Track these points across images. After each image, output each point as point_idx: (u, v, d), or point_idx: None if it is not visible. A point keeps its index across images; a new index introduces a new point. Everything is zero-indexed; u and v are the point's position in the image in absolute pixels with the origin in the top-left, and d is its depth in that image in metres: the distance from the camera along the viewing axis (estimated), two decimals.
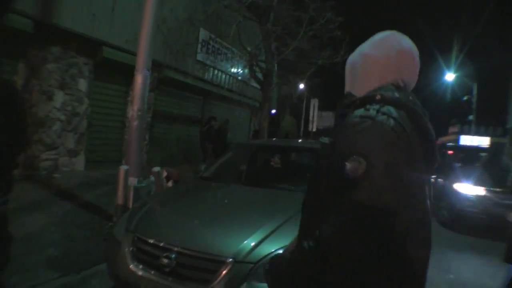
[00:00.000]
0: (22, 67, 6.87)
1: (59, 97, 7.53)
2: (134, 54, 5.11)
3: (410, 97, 1.06)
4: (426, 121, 1.03)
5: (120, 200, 4.47)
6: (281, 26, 10.28)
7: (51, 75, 7.32)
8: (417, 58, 1.16)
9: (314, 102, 16.36)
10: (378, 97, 1.01)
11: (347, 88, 1.18)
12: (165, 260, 2.37)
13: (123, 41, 8.35)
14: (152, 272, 2.42)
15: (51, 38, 7.19)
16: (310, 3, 9.83)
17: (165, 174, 5.35)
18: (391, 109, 0.97)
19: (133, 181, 4.56)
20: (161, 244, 2.47)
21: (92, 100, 8.34)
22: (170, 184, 5.33)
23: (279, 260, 1.09)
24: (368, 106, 0.99)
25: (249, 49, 10.42)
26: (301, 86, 20.06)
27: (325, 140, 1.03)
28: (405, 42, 1.15)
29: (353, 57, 1.21)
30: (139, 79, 4.77)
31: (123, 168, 4.57)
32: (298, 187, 3.67)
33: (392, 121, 0.93)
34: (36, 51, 7.01)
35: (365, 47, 1.18)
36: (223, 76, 13.72)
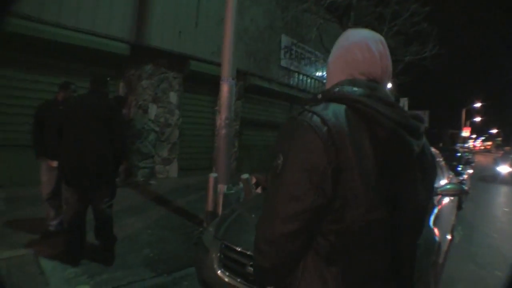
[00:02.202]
0: (121, 86, 7.65)
1: (153, 110, 8.18)
2: (219, 64, 5.30)
3: (371, 90, 1.02)
4: (376, 113, 0.95)
5: (209, 206, 4.63)
6: (363, 24, 9.86)
7: (145, 91, 7.99)
8: (375, 46, 1.10)
9: (404, 101, 15.39)
10: (319, 96, 1.04)
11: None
12: (251, 269, 2.36)
13: (208, 53, 8.78)
14: (239, 280, 2.43)
15: (144, 58, 7.86)
16: None
17: (254, 180, 5.41)
18: (330, 106, 0.97)
19: (222, 188, 4.69)
20: (248, 252, 2.47)
21: (183, 111, 8.90)
22: (259, 190, 5.38)
23: None
24: (307, 107, 0.99)
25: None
26: (389, 85, 19.02)
27: None
28: (355, 35, 1.13)
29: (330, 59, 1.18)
30: (225, 88, 4.92)
31: (213, 175, 4.73)
32: None
33: (315, 118, 0.93)
34: (132, 71, 7.73)
35: (337, 50, 1.15)
36: (309, 80, 13.64)
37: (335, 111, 0.94)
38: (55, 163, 3.91)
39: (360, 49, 1.09)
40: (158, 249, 4.19)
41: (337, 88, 1.03)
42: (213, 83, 8.97)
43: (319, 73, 13.62)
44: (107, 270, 3.50)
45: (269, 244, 0.95)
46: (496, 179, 15.00)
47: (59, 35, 6.20)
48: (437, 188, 3.74)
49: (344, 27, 9.83)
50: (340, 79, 1.08)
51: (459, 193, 3.88)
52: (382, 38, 1.15)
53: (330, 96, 1.01)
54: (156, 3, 7.73)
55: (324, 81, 14.71)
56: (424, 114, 26.61)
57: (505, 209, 9.94)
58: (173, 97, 8.62)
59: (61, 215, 4.20)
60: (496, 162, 17.49)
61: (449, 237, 4.41)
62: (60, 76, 6.21)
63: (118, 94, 7.80)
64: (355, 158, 0.90)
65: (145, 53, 7.81)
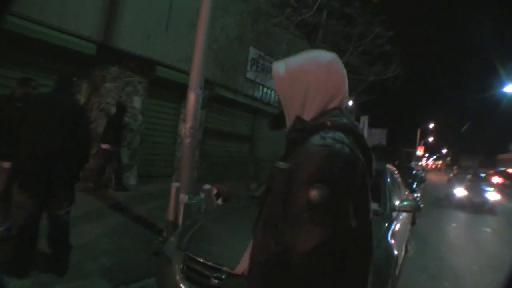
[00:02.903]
0: (84, 86, 7.36)
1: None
2: (185, 72, 5.26)
3: (350, 119, 1.14)
4: (366, 141, 1.13)
5: (171, 216, 4.53)
6: (330, 42, 10.20)
7: (109, 93, 7.75)
8: (342, 71, 1.18)
9: (364, 119, 15.98)
10: (329, 123, 1.07)
11: (295, 112, 1.16)
12: (215, 280, 2.32)
13: (176, 60, 8.67)
14: None
15: (111, 59, 7.63)
16: (359, 18, 9.69)
17: (215, 191, 5.37)
18: (342, 136, 1.04)
19: (184, 198, 4.62)
20: (211, 264, 2.44)
21: (146, 117, 8.69)
22: (219, 201, 5.34)
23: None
24: (323, 134, 1.04)
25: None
26: (350, 103, 19.71)
27: (281, 165, 1.06)
28: (326, 56, 1.18)
29: (294, 78, 1.16)
30: (192, 97, 4.87)
31: (175, 185, 4.64)
32: None
33: (347, 149, 1.01)
34: (97, 72, 7.48)
35: (311, 69, 1.15)
36: (273, 93, 13.80)
37: (352, 142, 1.06)
38: (6, 164, 3.67)
39: (339, 74, 1.17)
40: (115, 258, 4.03)
41: (338, 118, 1.11)
42: (178, 91, 8.90)
43: None
44: (60, 281, 3.30)
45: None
46: (451, 202, 14.08)
47: (22, 27, 5.86)
48: (395, 204, 3.89)
49: (312, 43, 10.11)
50: (324, 102, 1.14)
51: (416, 210, 4.06)
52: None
53: (338, 127, 1.08)
54: (127, 4, 7.55)
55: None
56: (382, 132, 27.76)
57: (453, 224, 10.53)
58: (137, 101, 8.41)
59: (9, 220, 3.93)
60: (451, 183, 16.16)
61: (403, 251, 4.60)
62: (19, 70, 5.89)
63: (119, 100, 7.71)
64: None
65: (112, 55, 7.58)
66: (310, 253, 0.94)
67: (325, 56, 1.19)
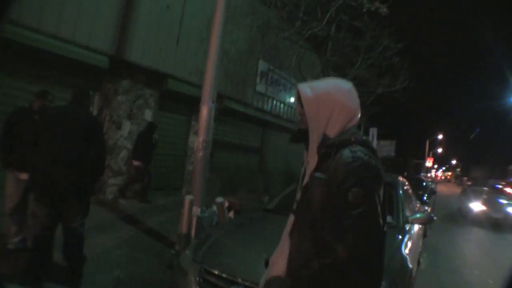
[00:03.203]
0: (96, 99, 7.48)
1: (127, 126, 8.02)
2: (196, 85, 5.32)
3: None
4: (377, 153, 1.38)
5: (184, 229, 4.54)
6: (339, 55, 10.26)
7: (121, 106, 7.85)
8: (357, 97, 1.46)
9: (373, 131, 15.93)
10: (353, 139, 1.31)
11: (320, 129, 1.36)
12: None
13: (186, 73, 8.79)
14: None
15: (122, 72, 7.76)
16: (368, 31, 9.75)
17: (227, 204, 5.38)
18: (366, 150, 1.30)
19: (196, 210, 4.63)
20: (226, 276, 2.44)
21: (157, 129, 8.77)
22: (231, 214, 5.34)
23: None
24: (352, 148, 1.28)
25: (308, 79, 10.49)
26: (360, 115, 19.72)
27: (319, 175, 1.29)
28: (345, 85, 1.45)
29: (322, 100, 1.37)
30: (205, 111, 4.92)
31: (188, 198, 4.66)
32: None
33: (373, 161, 1.28)
34: (109, 84, 7.60)
35: (336, 94, 1.37)
36: (282, 106, 13.85)
37: (372, 154, 1.32)
38: (23, 175, 3.73)
39: (355, 99, 1.42)
40: (128, 270, 4.04)
41: (358, 135, 1.36)
42: (189, 103, 8.99)
43: (293, 100, 13.90)
44: None
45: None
46: (467, 218, 12.89)
47: (37, 41, 6.00)
48: (408, 216, 3.86)
49: (321, 56, 10.18)
50: (350, 123, 1.38)
51: (428, 222, 4.03)
52: None
53: (360, 142, 1.32)
54: (139, 19, 7.70)
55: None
56: (391, 144, 27.59)
57: (466, 236, 10.34)
58: (148, 114, 8.51)
59: (24, 232, 3.98)
60: (466, 196, 14.89)
61: (416, 263, 4.54)
62: (34, 83, 6.01)
63: (150, 120, 8.11)
64: None
65: (124, 68, 7.71)
66: (351, 244, 1.16)
67: (346, 84, 1.44)
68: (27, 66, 6.21)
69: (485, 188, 15.27)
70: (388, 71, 11.21)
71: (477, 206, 12.81)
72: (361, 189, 1.20)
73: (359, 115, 1.44)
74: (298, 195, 1.42)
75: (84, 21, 6.72)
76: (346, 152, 1.27)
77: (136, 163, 7.52)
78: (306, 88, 1.41)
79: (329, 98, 1.36)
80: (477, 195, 13.75)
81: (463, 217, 13.67)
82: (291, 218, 1.42)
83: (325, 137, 1.35)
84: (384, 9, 8.62)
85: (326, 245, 1.21)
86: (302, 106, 1.42)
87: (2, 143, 3.90)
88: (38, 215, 3.25)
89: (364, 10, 8.91)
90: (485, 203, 12.73)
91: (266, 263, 1.53)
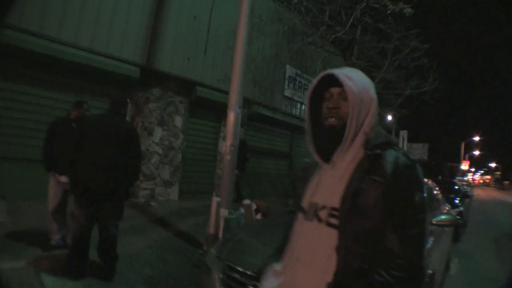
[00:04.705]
0: (129, 107, 7.86)
1: (158, 132, 8.36)
2: (224, 92, 5.50)
3: None
4: None
5: (211, 230, 4.71)
6: (365, 58, 10.21)
7: (152, 113, 8.21)
8: None
9: (403, 134, 15.61)
10: (394, 141, 1.29)
11: (358, 127, 1.27)
12: None
13: (214, 80, 9.06)
14: None
15: (153, 81, 8.13)
16: (394, 33, 9.65)
17: (254, 207, 5.51)
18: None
19: (224, 212, 4.79)
20: (249, 273, 2.56)
21: (187, 135, 9.08)
22: (259, 216, 5.47)
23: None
24: (401, 151, 1.26)
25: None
26: (389, 117, 19.35)
27: (377, 178, 1.18)
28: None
29: (363, 95, 1.28)
30: (232, 116, 5.09)
31: (216, 200, 4.83)
32: None
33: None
34: (141, 93, 7.98)
35: (371, 90, 1.32)
36: None
37: None
38: (63, 178, 4.04)
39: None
40: (158, 269, 4.25)
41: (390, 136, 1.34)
42: (218, 110, 9.23)
43: None
44: (108, 286, 3.56)
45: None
46: None
47: (73, 55, 6.44)
48: (432, 219, 3.84)
49: (347, 60, 10.16)
50: (376, 120, 1.32)
51: (453, 224, 3.98)
52: None
53: (394, 144, 1.29)
54: (167, 29, 8.05)
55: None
56: (423, 147, 26.84)
57: (501, 240, 9.89)
58: (178, 121, 8.82)
59: (64, 230, 4.30)
60: None
61: (443, 268, 4.47)
62: (70, 94, 6.48)
63: (241, 138, 8.23)
64: None
65: (154, 77, 8.07)
66: (419, 252, 1.17)
67: (366, 78, 1.37)
68: (62, 78, 6.67)
69: None
70: (416, 72, 11.01)
71: None
72: (422, 193, 1.19)
73: None
74: (327, 202, 1.26)
75: (115, 33, 7.13)
76: (395, 154, 1.22)
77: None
78: (347, 80, 1.27)
79: (368, 94, 1.29)
80: None
81: (498, 223, 13.08)
82: (323, 230, 1.23)
83: (367, 136, 1.26)
84: (408, 10, 8.52)
85: (393, 255, 1.12)
86: (337, 98, 1.30)
87: (45, 149, 4.24)
88: (77, 216, 3.53)
89: (388, 11, 8.84)
90: None
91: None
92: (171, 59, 8.22)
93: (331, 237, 1.20)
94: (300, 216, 1.37)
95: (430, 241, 3.48)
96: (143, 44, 7.68)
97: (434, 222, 3.78)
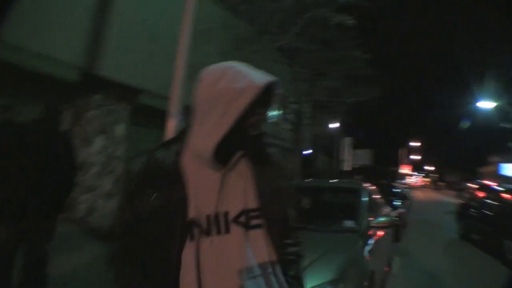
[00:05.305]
0: (67, 115, 7.38)
1: (98, 142, 7.93)
2: (167, 99, 5.35)
3: None
4: None
5: None
6: (311, 67, 10.49)
7: (91, 121, 7.78)
8: None
9: (348, 141, 16.22)
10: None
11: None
12: None
13: (158, 87, 8.78)
14: None
15: (94, 87, 7.71)
16: (338, 43, 10.03)
17: None
18: None
19: None
20: None
21: (129, 143, 8.70)
22: None
23: None
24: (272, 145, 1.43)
25: (280, 91, 10.60)
26: (337, 125, 20.04)
27: (272, 173, 1.30)
28: None
29: None
30: (172, 124, 4.96)
31: None
32: (328, 227, 3.66)
33: None
34: (80, 99, 7.53)
35: None
36: None
37: None
38: None
39: None
40: (96, 287, 3.97)
41: None
42: (161, 117, 8.94)
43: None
44: None
45: None
46: None
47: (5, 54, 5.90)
48: (371, 221, 3.97)
49: (293, 68, 10.37)
50: None
51: (391, 225, 4.16)
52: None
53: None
54: (110, 33, 7.69)
55: (270, 120, 15.67)
56: (367, 153, 28.08)
57: (440, 239, 10.51)
58: (120, 129, 8.44)
59: None
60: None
61: (386, 267, 4.64)
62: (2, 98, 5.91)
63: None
64: None
65: (95, 83, 7.66)
66: None
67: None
68: None
69: None
70: (360, 81, 11.52)
71: None
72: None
73: None
74: (244, 205, 1.19)
75: (55, 35, 6.64)
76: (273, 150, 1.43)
77: None
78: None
79: None
80: None
81: (435, 222, 14.09)
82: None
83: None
84: (350, 21, 8.89)
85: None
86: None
87: None
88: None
89: (331, 23, 9.17)
90: None
91: None
92: (114, 64, 7.85)
93: (256, 238, 1.16)
94: (194, 232, 1.12)
95: (369, 243, 3.59)
96: (83, 46, 7.24)
97: (373, 224, 3.91)
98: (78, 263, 4.63)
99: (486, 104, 21.45)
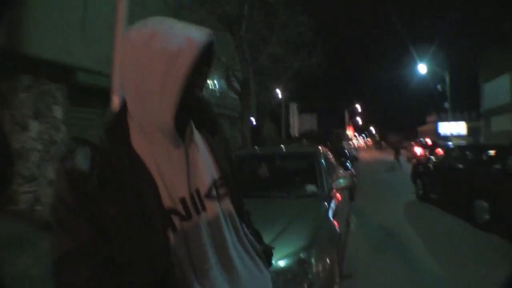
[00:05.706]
0: None
1: (34, 126, 7.27)
2: (108, 76, 4.97)
3: None
4: None
5: None
6: (253, 33, 10.30)
7: (24, 104, 7.07)
8: None
9: (293, 106, 16.43)
10: None
11: None
12: None
13: (96, 63, 8.15)
14: None
15: (20, 67, 6.95)
16: (281, 8, 9.90)
17: None
18: None
19: None
20: None
21: (70, 126, 8.08)
22: None
23: None
24: None
25: (223, 59, 10.36)
26: (279, 91, 20.14)
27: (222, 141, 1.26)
28: None
29: None
30: (116, 101, 4.62)
31: None
32: (290, 194, 3.69)
33: None
34: (5, 82, 6.77)
35: None
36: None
37: None
38: None
39: None
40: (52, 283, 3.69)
41: None
42: (103, 95, 8.37)
43: (210, 81, 13.69)
44: None
45: None
46: None
47: None
48: (332, 183, 4.05)
49: (235, 35, 10.11)
50: None
51: (351, 186, 4.28)
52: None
53: None
54: (34, 5, 6.89)
55: (216, 89, 14.94)
56: (313, 117, 28.88)
57: (389, 195, 11.19)
58: (58, 111, 7.79)
59: None
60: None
61: (345, 227, 4.83)
62: None
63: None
64: None
65: (21, 62, 6.90)
66: None
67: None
68: None
69: None
70: (303, 47, 11.55)
71: None
72: None
73: None
74: (210, 178, 1.11)
75: None
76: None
77: None
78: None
79: None
80: None
81: (381, 179, 14.95)
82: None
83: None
84: None
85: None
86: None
87: None
88: None
89: None
90: None
91: None
92: (41, 40, 7.10)
93: (227, 207, 1.13)
94: (176, 223, 0.99)
95: (332, 205, 3.67)
96: (4, 23, 6.43)
97: (334, 186, 3.98)
98: (31, 261, 4.27)
99: (423, 68, 23.02)
